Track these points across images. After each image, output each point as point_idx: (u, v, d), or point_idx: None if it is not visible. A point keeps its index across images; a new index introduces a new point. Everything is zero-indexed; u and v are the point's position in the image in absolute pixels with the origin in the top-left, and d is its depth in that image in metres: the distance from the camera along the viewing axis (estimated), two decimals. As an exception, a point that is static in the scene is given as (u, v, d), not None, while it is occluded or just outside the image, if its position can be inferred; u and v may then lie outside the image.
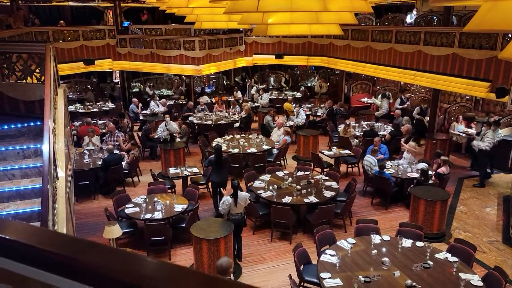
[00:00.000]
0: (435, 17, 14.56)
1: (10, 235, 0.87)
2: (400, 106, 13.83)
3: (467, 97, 13.11)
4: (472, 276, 5.10)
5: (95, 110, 14.81)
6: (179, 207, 7.28)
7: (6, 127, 6.05)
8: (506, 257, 6.96)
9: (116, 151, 9.73)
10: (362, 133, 11.81)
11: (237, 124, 13.17)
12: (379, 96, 14.47)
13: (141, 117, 14.22)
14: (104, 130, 11.79)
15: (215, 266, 4.58)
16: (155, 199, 7.52)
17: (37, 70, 6.07)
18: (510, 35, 9.03)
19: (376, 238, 5.95)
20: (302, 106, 14.46)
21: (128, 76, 17.90)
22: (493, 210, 8.71)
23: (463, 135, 11.96)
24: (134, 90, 18.27)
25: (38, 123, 5.85)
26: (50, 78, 4.95)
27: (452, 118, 12.66)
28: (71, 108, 14.78)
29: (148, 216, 6.99)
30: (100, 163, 9.50)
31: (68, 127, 7.44)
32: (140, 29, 18.28)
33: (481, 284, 4.94)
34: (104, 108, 15.03)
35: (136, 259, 0.76)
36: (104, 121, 13.08)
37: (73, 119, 13.37)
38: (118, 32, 16.50)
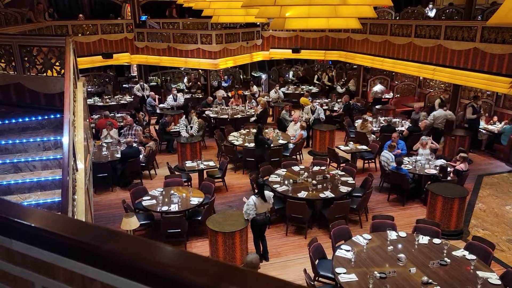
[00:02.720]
0: (453, 10, 14.23)
1: (35, 223, 0.90)
2: (474, 116, 11.49)
3: (488, 93, 12.80)
4: (490, 274, 5.01)
5: (113, 103, 15.01)
6: (195, 200, 7.34)
7: (27, 119, 6.19)
8: (526, 257, 6.82)
9: (134, 144, 9.86)
10: (379, 128, 11.67)
11: (253, 118, 13.17)
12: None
13: (158, 111, 14.36)
14: (122, 123, 11.94)
15: (244, 261, 4.59)
16: (172, 192, 7.58)
17: (57, 64, 6.18)
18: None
19: (392, 234, 5.90)
20: (318, 101, 14.38)
21: (145, 70, 18.07)
22: (513, 208, 8.53)
23: (484, 131, 11.72)
24: (151, 83, 18.43)
25: (58, 115, 5.97)
26: (69, 72, 5.04)
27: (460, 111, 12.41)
28: (90, 101, 15.02)
29: (165, 208, 7.07)
30: (118, 155, 9.64)
31: (87, 120, 7.57)
32: (157, 23, 18.40)
33: (499, 282, 4.86)
34: (122, 102, 15.21)
35: (157, 248, 0.78)
36: (122, 114, 13.24)
37: (92, 112, 13.59)
38: (136, 26, 16.65)
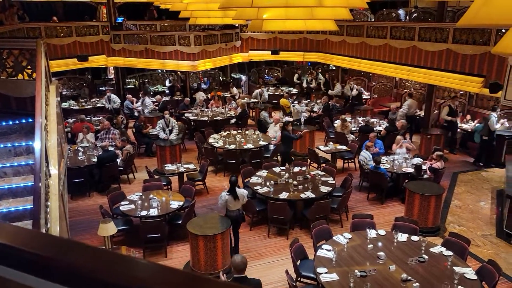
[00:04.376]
0: (420, 11, 14.63)
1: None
2: (449, 118, 11.47)
3: (461, 92, 13.13)
4: (466, 269, 5.11)
5: (89, 106, 14.71)
6: (175, 204, 7.24)
7: (-2, 124, 5.97)
8: (500, 251, 7.00)
9: (110, 148, 9.67)
10: (358, 128, 11.81)
11: (233, 120, 13.13)
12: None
13: (136, 113, 14.15)
14: (98, 127, 11.71)
15: (232, 263, 4.58)
16: (151, 196, 7.47)
17: (28, 67, 5.98)
18: (503, 30, 9.03)
19: (372, 233, 5.95)
20: (295, 102, 14.48)
21: (122, 72, 17.78)
22: (487, 204, 8.76)
23: (458, 130, 12.00)
24: (129, 86, 18.16)
25: (30, 120, 5.78)
26: (41, 75, 4.88)
27: (436, 111, 12.70)
28: (65, 105, 14.69)
29: (144, 213, 6.94)
30: (94, 160, 9.44)
31: (62, 124, 7.37)
32: (134, 25, 18.15)
33: (475, 277, 4.96)
34: (98, 105, 14.92)
35: (121, 259, 0.73)
36: (98, 118, 12.98)
37: (67, 116, 13.28)
38: (112, 28, 16.36)
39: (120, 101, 14.79)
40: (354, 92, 15.25)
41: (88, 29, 15.88)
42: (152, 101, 15.42)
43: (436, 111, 12.78)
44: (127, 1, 20.54)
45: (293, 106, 13.96)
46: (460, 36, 10.17)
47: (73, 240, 0.81)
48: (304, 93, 17.04)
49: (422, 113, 13.05)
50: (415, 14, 14.85)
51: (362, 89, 15.74)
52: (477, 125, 11.50)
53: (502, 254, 6.87)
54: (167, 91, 17.22)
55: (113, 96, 14.74)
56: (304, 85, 17.31)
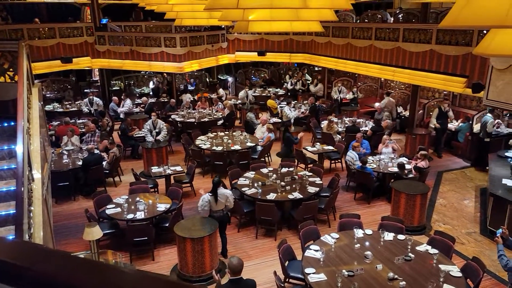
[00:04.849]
0: (404, 13, 14.83)
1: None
2: (437, 125, 11.51)
3: (444, 92, 13.35)
4: (452, 267, 5.19)
5: (74, 109, 14.52)
6: (162, 207, 7.19)
7: (-21, 128, 5.83)
8: (484, 248, 7.13)
9: (96, 151, 9.56)
10: (344, 129, 11.89)
11: (220, 122, 13.10)
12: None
13: (122, 116, 14.01)
14: (83, 130, 11.56)
15: (228, 265, 4.58)
16: (137, 199, 7.40)
17: (10, 69, 5.87)
18: (485, 32, 9.21)
19: (359, 232, 6.00)
20: (283, 104, 14.52)
21: (108, 74, 17.59)
22: (471, 203, 8.91)
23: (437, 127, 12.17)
24: (114, 88, 17.97)
25: (12, 123, 5.66)
26: (23, 77, 4.79)
27: (431, 113, 12.88)
28: (49, 107, 14.47)
29: (130, 216, 6.87)
30: (80, 163, 9.31)
31: (46, 127, 7.25)
32: (119, 26, 17.97)
33: (460, 275, 5.04)
34: (82, 108, 14.72)
35: (97, 267, 0.72)
36: (83, 121, 12.83)
37: (51, 119, 13.09)
38: (96, 29, 16.17)
39: (102, 104, 14.63)
40: (350, 95, 15.29)
41: (72, 30, 15.66)
42: (138, 103, 15.31)
43: (421, 111, 12.96)
44: (112, 3, 20.35)
45: (281, 107, 14.00)
46: (443, 37, 10.33)
47: (49, 248, 0.80)
48: (290, 94, 17.09)
49: (406, 113, 13.22)
50: (401, 15, 15.05)
51: (359, 92, 15.68)
52: (460, 124, 11.70)
53: (486, 251, 7.00)
54: (151, 93, 17.10)
55: (96, 98, 14.57)
56: (289, 86, 17.33)
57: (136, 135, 11.77)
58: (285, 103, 13.78)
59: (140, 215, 6.90)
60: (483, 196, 9.10)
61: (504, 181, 7.76)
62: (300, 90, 17.13)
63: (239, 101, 15.64)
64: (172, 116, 13.29)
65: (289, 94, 16.89)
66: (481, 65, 9.35)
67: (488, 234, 7.47)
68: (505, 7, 2.21)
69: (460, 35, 9.89)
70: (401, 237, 5.96)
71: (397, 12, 16.41)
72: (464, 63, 9.86)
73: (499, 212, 7.21)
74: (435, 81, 10.71)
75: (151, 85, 17.73)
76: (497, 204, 7.31)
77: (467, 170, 10.75)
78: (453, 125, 12.05)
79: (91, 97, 14.54)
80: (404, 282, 4.82)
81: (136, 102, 15.51)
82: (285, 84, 18.18)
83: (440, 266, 5.17)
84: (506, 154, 9.26)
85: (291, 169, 8.95)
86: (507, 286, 5.15)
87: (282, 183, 7.91)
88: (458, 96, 12.95)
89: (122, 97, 14.59)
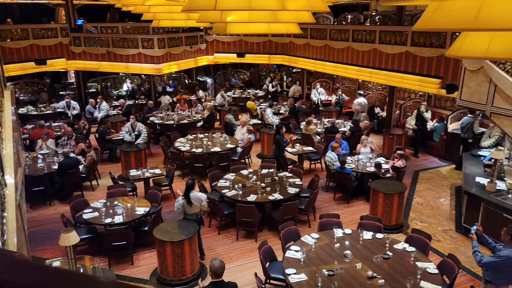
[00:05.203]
0: (380, 16, 15.11)
1: None
2: (410, 126, 12.04)
3: (420, 93, 13.65)
4: (428, 264, 5.32)
5: (48, 112, 14.18)
6: (141, 210, 7.11)
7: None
8: (459, 245, 7.33)
9: (72, 155, 9.36)
10: (323, 129, 12.01)
11: (200, 123, 13.04)
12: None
13: (99, 118, 13.77)
14: (59, 133, 11.31)
15: (210, 268, 4.59)
16: (115, 202, 7.30)
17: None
18: (457, 34, 9.49)
19: (338, 232, 6.07)
20: (263, 105, 14.57)
21: (84, 76, 17.26)
22: (446, 201, 9.14)
23: (415, 128, 12.45)
24: (90, 90, 17.64)
25: (-15, 127, 5.49)
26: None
27: (408, 114, 13.17)
28: (23, 110, 14.11)
29: (108, 220, 6.77)
30: (55, 167, 9.10)
31: (19, 131, 7.06)
32: (95, 27, 17.67)
33: (436, 271, 5.17)
34: (58, 110, 14.41)
35: (63, 275, 0.71)
36: (59, 124, 12.55)
37: (25, 122, 12.76)
38: (71, 30, 15.85)
39: (79, 107, 14.37)
40: (333, 98, 15.40)
41: (46, 31, 15.30)
42: (115, 105, 15.08)
43: (397, 112, 13.23)
44: (87, 3, 20.00)
45: (261, 109, 14.05)
46: (418, 39, 10.58)
47: (15, 256, 0.78)
48: (271, 97, 17.18)
49: (384, 114, 13.47)
50: (377, 17, 15.32)
51: (344, 94, 15.66)
52: (435, 124, 11.98)
53: (461, 248, 7.19)
54: (125, 95, 16.89)
55: (73, 102, 14.27)
56: (270, 89, 17.43)
57: (114, 138, 11.58)
58: (267, 105, 13.80)
59: (118, 219, 6.81)
60: (458, 194, 9.35)
61: (478, 179, 7.99)
62: (285, 92, 17.26)
63: (217, 103, 15.61)
64: (151, 118, 13.14)
65: (270, 96, 16.96)
66: (454, 66, 9.62)
67: (463, 231, 7.68)
68: (474, 11, 2.29)
69: (434, 37, 10.15)
70: (379, 235, 6.06)
71: (373, 14, 16.72)
72: (438, 65, 10.13)
73: (473, 209, 7.42)
74: (411, 82, 10.95)
75: (125, 87, 17.48)
76: (471, 201, 7.52)
77: (442, 169, 11.03)
78: (428, 125, 12.33)
79: (67, 99, 14.22)
80: (383, 280, 4.91)
81: (113, 105, 15.27)
82: (264, 85, 18.26)
83: (417, 263, 5.29)
84: (479, 153, 9.53)
85: (271, 170, 8.98)
86: (481, 281, 5.30)
87: (263, 185, 7.94)
88: (433, 96, 13.28)
89: (98, 99, 14.32)
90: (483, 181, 7.80)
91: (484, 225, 5.78)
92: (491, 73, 7.37)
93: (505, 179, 7.64)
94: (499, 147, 8.78)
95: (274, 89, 17.45)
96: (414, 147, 11.99)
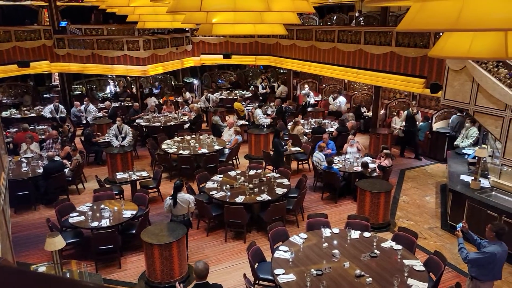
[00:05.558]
0: (363, 17, 15.22)
1: None
2: (397, 126, 12.06)
3: (405, 93, 13.83)
4: (415, 262, 5.38)
5: (32, 115, 13.96)
6: (128, 213, 7.04)
7: None
8: (445, 242, 7.44)
9: (57, 158, 9.23)
10: (310, 130, 12.06)
11: (187, 125, 12.99)
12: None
13: (84, 121, 13.61)
14: (43, 136, 11.14)
15: (194, 270, 4.57)
16: (102, 206, 7.22)
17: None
18: (441, 34, 9.64)
19: (326, 232, 6.11)
20: (250, 106, 14.60)
21: (68, 79, 17.03)
22: (432, 199, 9.27)
23: (404, 129, 12.59)
24: (75, 92, 17.42)
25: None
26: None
27: (393, 113, 13.32)
28: (6, 113, 13.86)
29: (95, 224, 6.70)
30: (40, 171, 8.96)
31: (2, 135, 6.94)
32: (79, 29, 17.45)
33: (423, 269, 5.24)
34: (42, 113, 14.20)
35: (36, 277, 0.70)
36: (43, 127, 12.36)
37: (8, 125, 12.54)
38: (55, 32, 15.64)
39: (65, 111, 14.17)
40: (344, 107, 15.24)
41: (29, 33, 15.07)
42: (100, 108, 14.92)
43: (383, 111, 13.37)
44: (71, 5, 19.74)
45: (248, 110, 14.05)
46: (403, 39, 10.72)
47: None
48: (263, 98, 17.20)
49: (370, 114, 13.60)
50: (361, 18, 15.46)
51: (344, 99, 15.24)
52: (420, 123, 12.13)
53: (447, 245, 7.30)
54: (110, 96, 16.72)
55: (62, 106, 14.03)
56: (261, 90, 17.43)
57: (100, 141, 11.45)
58: (256, 106, 13.80)
59: (105, 222, 6.74)
60: (443, 192, 9.49)
61: (462, 177, 8.13)
62: (267, 94, 17.29)
63: (202, 105, 15.58)
64: (137, 121, 13.04)
65: (261, 98, 16.91)
66: (438, 66, 9.77)
67: (449, 229, 7.80)
68: (456, 12, 2.33)
69: (418, 37, 10.29)
70: (367, 234, 6.11)
71: (357, 15, 16.87)
72: (422, 65, 10.27)
73: (458, 207, 7.55)
74: (396, 82, 11.09)
75: (108, 89, 17.28)
76: (456, 199, 7.64)
77: (427, 167, 11.18)
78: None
79: (56, 103, 13.96)
80: (370, 279, 4.95)
81: (99, 107, 15.11)
82: (251, 87, 18.26)
83: (404, 261, 5.35)
84: (464, 151, 9.70)
85: (259, 171, 8.99)
86: (467, 278, 5.39)
87: (250, 186, 7.94)
88: (418, 96, 13.46)
89: (84, 101, 14.12)
90: (468, 179, 7.94)
91: (469, 222, 5.88)
92: (473, 73, 7.51)
93: (488, 176, 7.79)
94: (483, 145, 8.94)
95: (264, 90, 17.46)
96: (402, 148, 12.00)
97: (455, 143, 10.51)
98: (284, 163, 10.01)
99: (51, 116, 13.58)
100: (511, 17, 2.27)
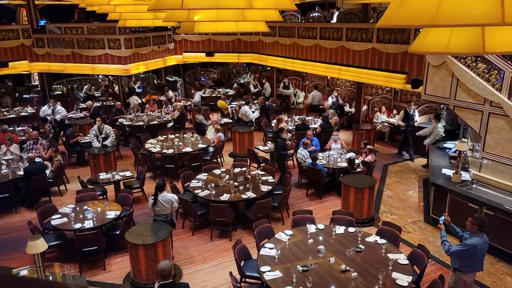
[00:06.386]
0: (343, 15, 15.28)
1: None
2: (403, 124, 11.40)
3: (387, 88, 13.98)
4: (399, 255, 5.45)
5: (12, 116, 13.63)
6: (111, 214, 6.95)
7: None
8: (428, 235, 7.55)
9: (38, 159, 9.03)
10: (294, 127, 12.09)
11: (170, 124, 12.86)
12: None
13: (66, 121, 13.33)
14: (23, 138, 10.88)
15: (157, 269, 4.49)
16: (85, 207, 7.11)
17: None
18: (420, 30, 9.75)
19: (311, 228, 6.13)
20: (233, 104, 14.56)
21: (48, 78, 16.67)
22: (415, 193, 9.40)
23: (386, 124, 12.77)
24: (56, 93, 17.07)
25: None
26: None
27: (375, 109, 13.46)
28: (-16, 115, 13.48)
29: (78, 225, 6.59)
30: (21, 173, 8.75)
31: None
32: (59, 28, 17.08)
33: (407, 262, 5.30)
34: (22, 114, 13.86)
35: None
36: (23, 128, 12.08)
37: (-13, 127, 12.18)
38: (33, 31, 15.27)
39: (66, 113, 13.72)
40: (327, 103, 15.08)
41: (6, 33, 14.68)
42: (82, 108, 14.68)
43: (365, 107, 13.49)
44: (49, 3, 19.31)
45: (231, 107, 13.98)
46: (383, 36, 10.81)
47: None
48: (255, 97, 17.11)
49: (352, 110, 13.71)
50: (340, 16, 15.51)
51: (318, 93, 15.26)
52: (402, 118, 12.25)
53: (430, 238, 7.42)
54: (80, 94, 16.42)
55: (60, 107, 13.38)
56: (253, 89, 17.22)
57: (82, 141, 11.26)
58: (243, 102, 13.71)
59: (88, 223, 6.64)
60: (425, 186, 9.63)
61: (444, 170, 8.27)
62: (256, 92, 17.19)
63: (189, 103, 15.45)
64: (120, 120, 12.86)
65: (254, 97, 16.65)
66: (418, 62, 9.89)
67: (432, 222, 7.92)
68: (434, 8, 2.35)
69: (398, 33, 10.39)
70: (351, 229, 6.16)
71: (336, 12, 16.93)
72: (403, 60, 10.38)
73: (441, 200, 7.67)
74: (378, 78, 11.19)
75: (85, 88, 16.90)
76: (438, 193, 7.77)
77: (410, 162, 11.32)
78: (395, 119, 12.58)
79: (50, 104, 13.38)
80: (356, 273, 4.99)
81: (80, 107, 14.83)
82: (235, 84, 18.16)
83: (388, 255, 5.41)
84: (445, 145, 9.86)
85: (243, 169, 8.97)
86: (450, 270, 5.48)
87: (235, 184, 7.91)
88: (399, 91, 13.62)
89: (50, 103, 13.42)
90: (449, 172, 8.07)
91: (451, 215, 5.97)
92: (453, 68, 7.63)
93: (469, 170, 7.93)
94: (463, 139, 9.10)
95: (256, 89, 17.17)
96: (402, 148, 11.66)
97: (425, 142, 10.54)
98: (285, 168, 9.55)
99: (50, 113, 13.13)
100: (488, 13, 2.30)
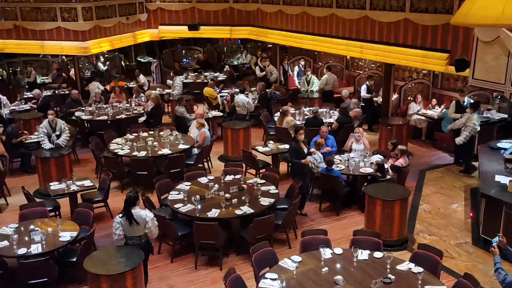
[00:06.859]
0: None
1: None
2: (459, 115, 10.78)
3: (424, 72, 13.97)
4: (440, 287, 5.45)
5: None
6: (66, 235, 6.97)
7: None
8: (477, 261, 7.57)
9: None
10: (303, 121, 12.04)
11: (142, 118, 12.87)
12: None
13: (6, 116, 13.33)
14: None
15: None
16: (32, 227, 7.12)
17: None
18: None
19: (326, 253, 6.14)
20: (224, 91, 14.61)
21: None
22: (460, 206, 9.42)
23: (423, 118, 12.75)
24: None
25: None
26: None
27: (409, 98, 13.46)
28: None
29: (23, 251, 6.60)
30: None
31: None
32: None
33: (450, 296, 5.32)
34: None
35: None
36: None
37: None
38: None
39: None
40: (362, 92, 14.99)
41: None
42: (28, 97, 14.68)
43: (396, 95, 13.50)
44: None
45: (222, 97, 14.00)
46: (419, 3, 10.82)
47: None
48: (234, 79, 17.12)
49: (379, 99, 13.72)
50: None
51: (333, 75, 15.41)
52: (444, 110, 12.27)
53: (479, 265, 7.43)
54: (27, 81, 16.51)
55: (3, 98, 13.48)
56: (259, 73, 16.80)
57: (28, 141, 11.26)
58: (237, 90, 13.70)
59: (36, 248, 6.65)
60: (474, 198, 9.63)
61: (498, 178, 8.21)
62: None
63: (166, 91, 15.45)
64: (77, 114, 12.87)
65: (263, 84, 16.47)
66: (464, 37, 9.90)
67: (482, 245, 7.93)
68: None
69: (439, 0, 10.39)
70: (378, 254, 6.17)
71: None
72: (444, 35, 10.39)
73: (494, 216, 7.65)
74: (411, 57, 11.19)
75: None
76: (491, 206, 7.75)
77: (454, 166, 11.32)
78: (435, 112, 12.60)
79: None
80: (383, 311, 5.01)
81: (25, 97, 14.82)
82: (226, 67, 18.17)
83: (426, 287, 5.42)
84: (499, 145, 9.78)
85: (238, 176, 8.97)
86: (505, 305, 5.48)
87: (227, 195, 7.92)
88: (439, 75, 13.63)
89: None
90: (505, 180, 8.04)
91: (508, 235, 5.98)
92: (509, 44, 7.64)
93: (530, 176, 7.93)
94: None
95: (263, 73, 16.72)
96: (467, 158, 11.12)
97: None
98: (305, 181, 9.15)
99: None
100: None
